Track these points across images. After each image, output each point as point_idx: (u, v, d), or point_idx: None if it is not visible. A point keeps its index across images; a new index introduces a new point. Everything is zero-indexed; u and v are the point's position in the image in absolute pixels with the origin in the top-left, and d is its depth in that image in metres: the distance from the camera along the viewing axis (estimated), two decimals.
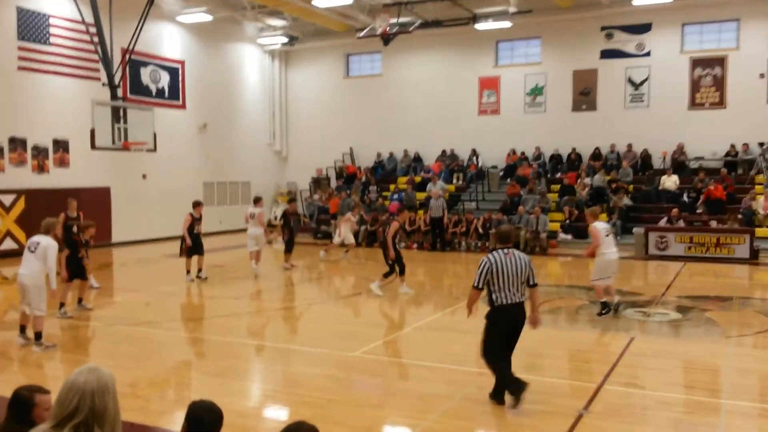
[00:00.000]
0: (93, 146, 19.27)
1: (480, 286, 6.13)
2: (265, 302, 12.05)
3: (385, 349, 8.51)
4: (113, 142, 19.73)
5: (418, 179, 24.03)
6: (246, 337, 9.39)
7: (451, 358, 7.94)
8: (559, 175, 22.45)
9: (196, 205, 14.08)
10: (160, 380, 7.27)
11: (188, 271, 13.75)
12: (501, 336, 6.19)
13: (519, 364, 7.81)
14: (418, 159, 25.19)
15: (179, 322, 10.60)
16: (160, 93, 22.47)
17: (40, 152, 18.67)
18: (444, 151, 24.86)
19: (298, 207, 27.24)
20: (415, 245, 19.90)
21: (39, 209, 18.17)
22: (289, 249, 15.46)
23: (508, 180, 22.45)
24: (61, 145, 19.20)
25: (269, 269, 15.87)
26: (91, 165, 19.91)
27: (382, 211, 20.97)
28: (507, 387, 6.20)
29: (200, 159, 24.19)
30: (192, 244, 13.64)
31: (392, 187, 23.49)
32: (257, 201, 15.17)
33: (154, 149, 20.88)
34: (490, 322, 6.23)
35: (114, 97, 19.48)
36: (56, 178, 19.00)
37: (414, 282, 13.38)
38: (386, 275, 12.07)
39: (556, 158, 23.12)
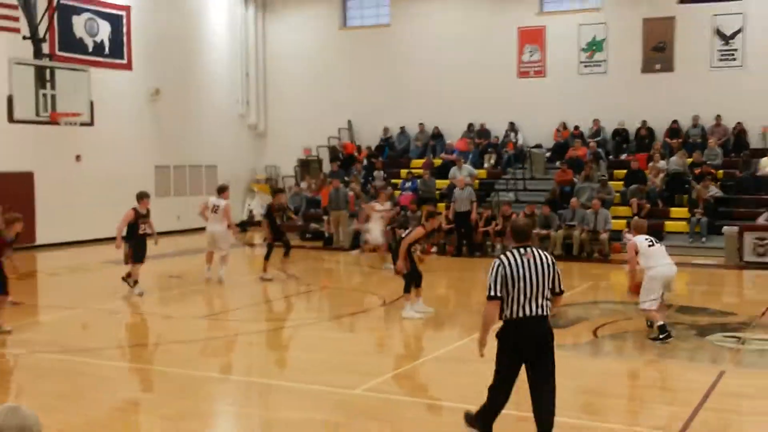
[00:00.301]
0: (10, 118, 19.32)
1: (498, 294, 6.10)
2: (236, 323, 12.04)
3: (394, 386, 8.48)
4: (37, 113, 19.81)
5: (438, 162, 23.99)
6: (211, 370, 9.36)
7: (481, 397, 7.88)
8: (624, 156, 22.38)
9: (142, 197, 14.04)
10: (97, 426, 7.25)
11: (136, 282, 13.79)
12: (513, 363, 6.18)
13: (572, 406, 7.77)
14: (438, 136, 25.17)
15: (124, 349, 10.58)
16: (98, 49, 22.50)
17: None
18: (472, 126, 24.82)
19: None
20: (434, 249, 19.88)
21: None
22: (286, 252, 15.65)
23: (557, 163, 22.41)
24: None
25: (243, 280, 15.86)
26: (7, 143, 19.96)
27: (392, 205, 20.93)
28: (479, 421, 6.44)
29: (152, 135, 24.24)
30: (134, 249, 13.67)
31: (404, 172, 23.48)
32: (222, 191, 15.31)
33: (91, 122, 20.95)
34: (500, 345, 6.22)
35: (38, 54, 19.54)
36: None
37: (433, 298, 13.35)
38: (407, 289, 11.99)
39: (620, 134, 23.05)
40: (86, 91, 20.51)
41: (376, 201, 18.35)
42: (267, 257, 15.53)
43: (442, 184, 22.30)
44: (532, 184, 22.34)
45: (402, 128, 25.84)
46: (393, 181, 23.57)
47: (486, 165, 23.51)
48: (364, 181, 23.59)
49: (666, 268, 10.46)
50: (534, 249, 6.28)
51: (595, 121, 23.30)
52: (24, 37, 18.90)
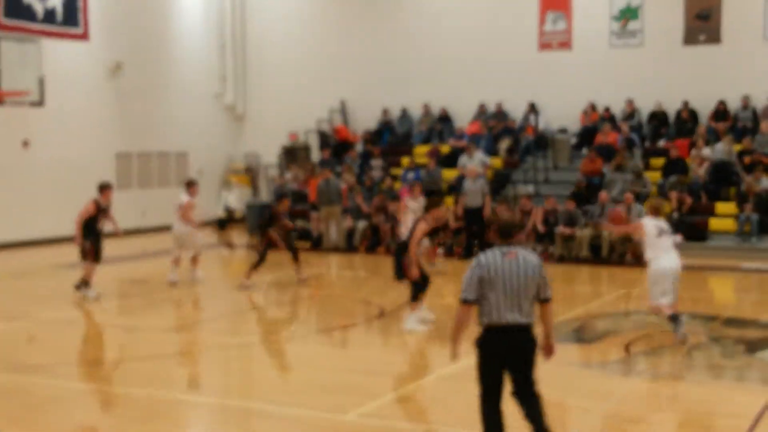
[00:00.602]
0: None
1: (471, 297, 6.37)
2: (211, 336, 12.08)
3: (393, 409, 8.52)
4: None
5: (445, 149, 24.00)
6: (182, 390, 9.40)
7: None
8: (662, 143, 22.40)
9: (104, 188, 14.22)
10: None
11: (87, 283, 14.04)
12: (494, 373, 6.45)
13: (603, 431, 7.80)
14: (445, 118, 25.19)
15: (80, 366, 10.61)
16: (49, 16, 22.47)
17: None
18: (484, 107, 24.84)
19: (261, 187, 27.31)
20: (440, 249, 19.90)
21: None
22: (295, 256, 16.08)
23: (584, 150, 22.43)
24: None
25: (219, 286, 15.90)
26: None
27: (390, 198, 21.00)
28: None
29: (112, 118, 24.24)
30: (95, 247, 13.96)
31: (405, 160, 23.48)
32: (190, 185, 15.78)
33: (41, 102, 20.99)
34: (479, 354, 6.51)
35: None
36: None
37: (438, 306, 13.38)
38: (415, 297, 12.03)
39: (658, 117, 23.07)
40: (35, 66, 20.56)
41: (409, 196, 18.39)
42: (256, 266, 15.56)
43: (450, 174, 22.29)
44: (554, 174, 22.35)
45: (403, 110, 25.84)
46: (393, 171, 23.58)
47: (502, 153, 23.52)
48: (360, 171, 23.61)
49: (671, 263, 10.89)
50: (520, 250, 6.45)
51: (629, 102, 23.30)
52: None
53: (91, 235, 13.95)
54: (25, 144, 21.95)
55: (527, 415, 6.52)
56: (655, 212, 11.21)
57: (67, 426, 8.26)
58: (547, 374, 9.75)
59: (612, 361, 10.55)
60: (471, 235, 19.37)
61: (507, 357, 6.42)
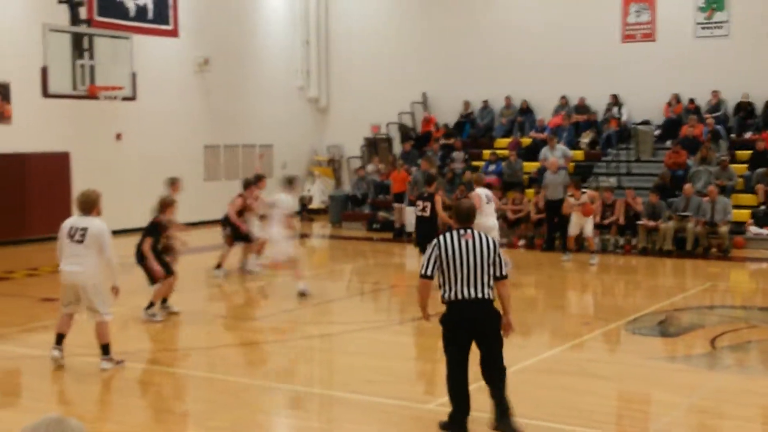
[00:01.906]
0: (45, 93, 19.88)
1: (428, 273, 6.97)
2: (295, 325, 12.19)
3: (475, 401, 8.46)
4: (74, 86, 20.33)
5: (526, 141, 23.79)
6: (267, 378, 9.51)
7: (579, 415, 7.84)
8: (749, 135, 21.86)
9: (250, 184, 15.59)
10: None
11: (219, 265, 15.28)
12: (457, 347, 7.00)
13: (683, 427, 7.65)
14: (526, 111, 24.97)
15: (170, 352, 10.82)
16: (141, 13, 22.96)
17: None
18: (566, 99, 24.54)
19: (344, 179, 27.49)
20: (521, 242, 19.75)
21: None
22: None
23: (668, 143, 22.03)
24: None
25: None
26: (42, 120, 20.56)
27: (470, 190, 20.89)
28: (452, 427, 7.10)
29: (200, 111, 24.65)
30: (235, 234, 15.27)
31: (487, 153, 23.37)
32: (291, 182, 14.47)
33: (133, 97, 21.40)
34: (443, 328, 7.06)
35: (75, 19, 20.03)
36: None
37: (519, 299, 13.30)
38: None
39: (744, 109, 22.50)
40: (128, 62, 20.94)
41: (589, 192, 18.37)
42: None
43: (530, 167, 22.12)
44: (637, 167, 21.99)
45: (485, 102, 25.69)
46: (474, 163, 23.48)
47: (583, 146, 23.21)
48: (441, 163, 23.56)
49: None
50: (476, 231, 7.02)
51: (714, 93, 22.77)
52: (59, 1, 19.39)
53: (230, 225, 15.16)
54: (119, 137, 22.46)
55: (488, 386, 7.13)
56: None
57: (155, 410, 8.43)
58: (631, 368, 9.65)
59: (697, 355, 10.33)
60: (552, 227, 19.15)
61: (467, 330, 6.93)
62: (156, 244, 12.02)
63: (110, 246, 9.23)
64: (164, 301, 12.29)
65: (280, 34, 27.32)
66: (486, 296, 6.91)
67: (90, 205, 9.33)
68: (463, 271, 6.85)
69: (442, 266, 6.89)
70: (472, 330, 6.95)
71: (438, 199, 14.57)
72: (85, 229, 9.12)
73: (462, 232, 6.99)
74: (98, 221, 9.26)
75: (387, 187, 23.38)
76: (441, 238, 7.00)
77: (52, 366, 9.34)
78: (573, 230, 17.46)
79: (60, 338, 9.46)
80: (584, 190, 17.59)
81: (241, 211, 15.44)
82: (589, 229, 17.32)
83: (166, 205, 12.12)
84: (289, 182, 14.17)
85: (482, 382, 7.19)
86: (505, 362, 10.07)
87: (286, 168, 26.90)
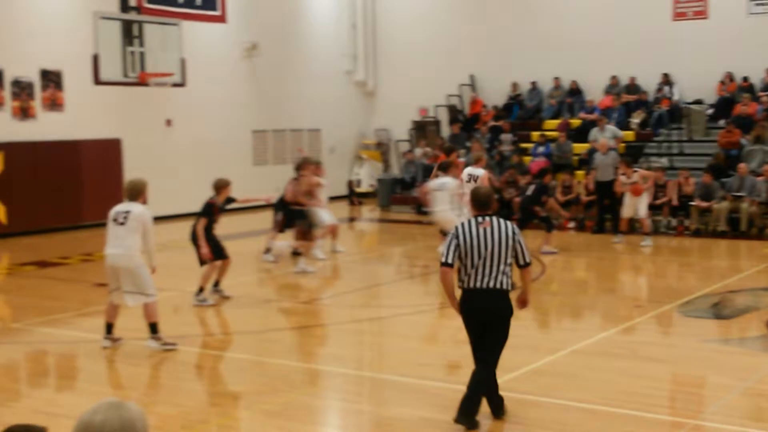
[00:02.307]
0: (97, 80, 20.18)
1: (449, 261, 6.89)
2: (344, 309, 12.23)
3: (524, 383, 8.45)
4: (125, 73, 20.62)
5: (576, 123, 23.56)
6: (317, 361, 9.57)
7: (631, 399, 7.78)
8: None
9: (223, 187, 13.15)
10: (195, 420, 7.53)
11: (298, 253, 14.84)
12: (473, 332, 7.05)
13: (737, 410, 7.55)
14: (576, 92, 24.72)
15: (221, 336, 10.94)
16: (189, 0, 23.10)
17: (22, 89, 19.71)
18: (616, 79, 24.24)
19: (392, 162, 27.52)
20: (571, 224, 19.59)
21: (23, 170, 19.24)
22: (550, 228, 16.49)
23: (722, 122, 21.67)
24: (51, 79, 20.18)
25: (349, 260, 16.08)
26: (93, 107, 20.84)
27: (520, 172, 20.78)
28: (465, 405, 6.96)
29: (248, 96, 24.78)
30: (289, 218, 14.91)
31: (535, 135, 23.19)
32: (445, 168, 15.00)
33: (182, 83, 21.64)
34: (462, 315, 7.08)
35: (125, 7, 20.25)
36: (45, 126, 20.03)
37: (571, 281, 13.21)
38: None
39: None
40: (177, 48, 21.18)
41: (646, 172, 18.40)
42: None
43: (580, 148, 21.91)
44: (690, 147, 21.68)
45: (533, 84, 25.48)
46: (522, 145, 23.32)
47: (634, 126, 22.93)
48: (489, 145, 23.44)
49: None
50: (495, 219, 6.92)
51: None
52: None
53: (283, 208, 14.98)
54: (168, 123, 22.68)
55: (474, 373, 7.02)
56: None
57: (211, 393, 8.52)
58: (684, 351, 9.54)
59: (752, 337, 10.18)
60: (603, 208, 18.97)
61: (481, 318, 6.95)
62: (210, 226, 12.13)
63: (151, 228, 9.42)
64: (216, 284, 12.39)
65: (327, 18, 27.33)
66: (500, 286, 6.88)
67: (136, 192, 9.51)
68: (480, 260, 6.81)
69: (460, 254, 6.86)
70: (482, 318, 6.97)
71: (485, 175, 14.77)
72: (127, 212, 9.32)
73: (480, 219, 6.93)
74: (141, 206, 9.45)
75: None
76: (459, 227, 6.97)
77: (145, 349, 9.52)
78: (626, 212, 17.27)
79: (109, 327, 9.64)
80: (636, 168, 17.36)
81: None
82: (642, 211, 17.12)
83: (220, 186, 12.25)
84: (444, 168, 14.76)
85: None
86: (559, 346, 10.03)
87: (334, 152, 26.99)
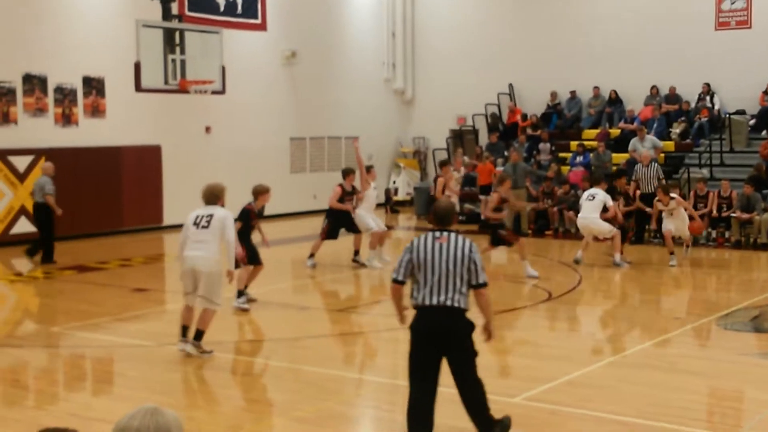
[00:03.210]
0: (138, 87, 20.29)
1: (398, 277, 6.63)
2: (379, 318, 12.22)
3: (560, 395, 8.39)
4: (166, 80, 20.72)
5: (615, 133, 23.38)
6: (352, 369, 9.57)
7: (667, 412, 7.69)
8: None
9: (347, 174, 15.78)
10: (228, 427, 7.57)
11: (356, 251, 15.65)
12: (419, 354, 6.57)
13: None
14: (616, 101, 24.54)
15: (256, 343, 10.98)
16: (230, 8, 23.30)
17: (65, 96, 19.98)
18: (656, 89, 24.04)
19: (429, 171, 27.50)
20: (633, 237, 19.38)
21: (65, 176, 19.47)
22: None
23: (764, 133, 21.39)
24: (94, 86, 20.45)
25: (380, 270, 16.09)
26: (135, 114, 21.06)
27: (558, 183, 20.66)
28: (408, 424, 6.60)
29: (287, 104, 24.90)
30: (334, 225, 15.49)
31: (574, 144, 23.05)
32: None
33: (223, 90, 21.70)
34: (410, 333, 6.65)
35: (167, 15, 20.42)
36: (87, 133, 20.28)
37: (609, 292, 13.10)
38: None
39: None
40: (218, 56, 21.24)
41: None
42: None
43: (619, 158, 21.73)
44: (731, 158, 21.42)
45: (572, 93, 25.33)
46: (561, 155, 23.18)
47: (674, 136, 22.71)
48: (528, 155, 23.34)
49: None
50: (454, 235, 6.58)
51: None
52: None
53: (330, 216, 15.43)
54: (208, 130, 22.86)
55: (462, 400, 6.69)
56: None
57: (245, 399, 8.56)
58: (723, 364, 9.41)
59: None
60: (641, 219, 18.72)
61: (433, 338, 6.49)
62: (246, 231, 12.21)
63: (233, 231, 9.53)
64: (245, 287, 12.45)
65: (366, 26, 27.41)
66: (456, 304, 6.44)
67: (215, 197, 9.65)
68: (434, 277, 6.44)
69: (413, 270, 6.53)
70: (437, 340, 6.50)
71: (440, 180, 15.43)
72: (210, 216, 9.41)
73: (437, 234, 6.58)
74: (223, 209, 9.58)
75: (473, 178, 23.26)
76: (414, 240, 6.63)
77: (180, 355, 9.52)
78: (666, 228, 16.14)
79: (184, 330, 9.61)
80: (673, 195, 16.24)
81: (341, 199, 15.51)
82: (684, 231, 16.30)
83: (258, 192, 12.33)
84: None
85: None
86: (596, 357, 9.94)
87: (372, 160, 27.01)
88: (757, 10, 22.94)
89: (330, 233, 15.55)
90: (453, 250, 6.49)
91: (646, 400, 8.06)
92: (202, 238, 9.34)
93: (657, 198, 16.66)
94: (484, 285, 6.59)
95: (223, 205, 9.72)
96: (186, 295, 9.59)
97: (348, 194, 15.53)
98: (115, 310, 12.47)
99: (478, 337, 6.78)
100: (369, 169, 16.26)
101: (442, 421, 7.58)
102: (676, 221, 16.03)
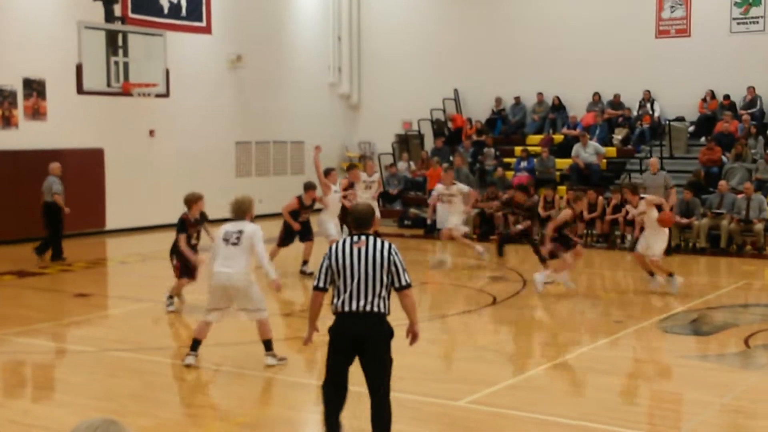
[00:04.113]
0: (80, 90, 20.10)
1: (319, 285, 6.55)
2: (326, 321, 12.20)
3: (504, 398, 8.45)
4: (108, 83, 20.56)
5: (559, 138, 23.66)
6: (297, 374, 9.53)
7: (610, 414, 7.80)
8: None
9: (194, 202, 12.93)
10: (169, 431, 7.50)
11: (305, 261, 15.41)
12: (336, 358, 6.54)
13: (715, 427, 7.57)
14: (559, 107, 24.84)
15: (200, 348, 10.89)
16: (174, 10, 23.09)
17: (5, 98, 19.62)
18: (598, 96, 24.37)
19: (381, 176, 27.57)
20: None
21: (4, 179, 19.13)
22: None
23: (703, 139, 21.80)
24: (34, 88, 20.10)
25: None
26: (76, 116, 20.75)
27: (502, 187, 20.84)
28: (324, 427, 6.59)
29: (232, 108, 24.75)
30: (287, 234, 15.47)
31: (518, 150, 23.27)
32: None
33: (167, 94, 21.59)
34: (329, 338, 6.59)
35: (110, 16, 20.21)
36: (28, 136, 19.93)
37: (553, 296, 13.23)
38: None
39: None
40: (161, 59, 21.14)
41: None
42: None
43: (563, 163, 21.99)
44: (671, 164, 21.78)
45: (517, 99, 25.57)
46: (505, 159, 23.39)
47: (616, 142, 23.05)
48: (472, 159, 23.49)
49: None
50: (373, 238, 6.50)
51: (750, 89, 22.50)
52: None
53: (285, 224, 15.32)
54: (151, 133, 22.62)
55: (372, 414, 6.61)
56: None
57: (188, 405, 8.48)
58: (663, 367, 9.56)
59: (731, 354, 10.23)
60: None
61: (352, 344, 6.46)
62: (188, 240, 12.13)
63: (262, 246, 9.32)
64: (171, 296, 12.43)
65: (312, 30, 27.37)
66: (376, 309, 6.40)
67: (243, 210, 9.49)
68: (353, 282, 6.36)
69: (333, 276, 6.47)
70: (355, 345, 6.46)
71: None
72: (240, 232, 9.25)
73: (356, 239, 6.51)
74: (252, 224, 9.43)
75: (418, 183, 23.34)
76: (333, 246, 6.57)
77: (123, 361, 9.42)
78: (639, 248, 14.05)
79: (195, 344, 9.48)
80: (643, 195, 14.27)
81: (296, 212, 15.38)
82: (657, 248, 13.76)
83: (191, 201, 12.17)
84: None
85: None
86: (542, 360, 10.03)
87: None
88: (696, 19, 23.36)
89: (284, 240, 15.46)
90: (372, 253, 6.42)
91: (588, 403, 8.16)
92: (231, 255, 9.22)
93: (625, 198, 15.61)
94: (408, 286, 6.54)
95: (251, 218, 9.59)
96: (210, 311, 9.44)
97: (305, 208, 15.33)
98: (56, 316, 12.28)
99: (404, 340, 6.82)
100: (328, 172, 16.16)
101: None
102: (648, 237, 13.79)
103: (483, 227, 20.75)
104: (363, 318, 6.42)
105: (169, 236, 12.81)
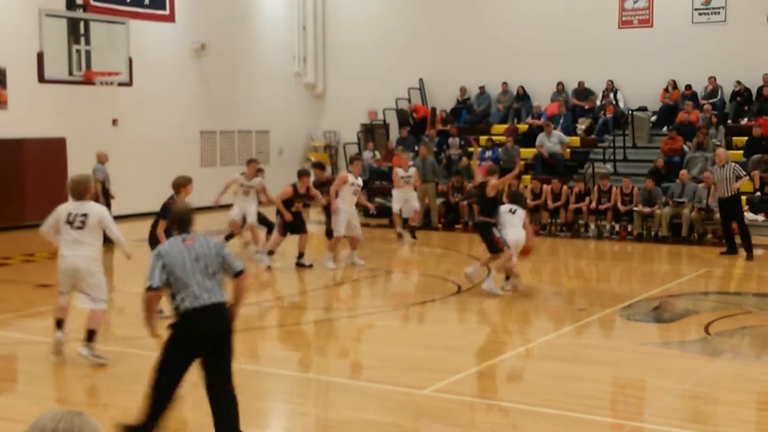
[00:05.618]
0: (41, 78, 19.87)
1: (156, 284, 6.48)
2: (292, 311, 12.20)
3: (468, 386, 8.52)
4: (70, 72, 20.34)
5: (523, 128, 23.78)
6: (265, 364, 9.53)
7: (572, 401, 7.88)
8: (745, 121, 21.84)
9: (183, 185, 13.85)
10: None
11: (300, 254, 15.12)
12: (181, 358, 6.49)
13: (677, 413, 7.68)
14: (523, 97, 24.95)
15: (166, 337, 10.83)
16: None
17: None
18: (562, 85, 24.52)
19: (340, 165, 27.51)
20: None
21: None
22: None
23: (665, 129, 22.02)
24: None
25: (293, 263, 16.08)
26: (38, 105, 20.51)
27: (467, 176, 20.92)
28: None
29: (196, 97, 24.60)
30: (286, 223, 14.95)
31: (483, 139, 23.35)
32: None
33: (130, 82, 21.40)
34: (170, 336, 6.54)
35: (71, 4, 19.98)
36: None
37: (516, 287, 13.31)
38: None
39: (741, 95, 22.48)
40: (124, 47, 20.94)
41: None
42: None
43: (528, 152, 22.12)
44: (633, 153, 22.00)
45: (481, 88, 25.65)
46: (470, 149, 23.43)
47: (579, 132, 23.21)
48: (437, 149, 23.54)
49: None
50: (199, 236, 6.68)
51: (711, 80, 22.74)
52: None
53: (279, 214, 14.98)
54: (115, 123, 22.42)
55: (217, 418, 6.52)
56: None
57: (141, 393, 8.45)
58: (625, 354, 9.68)
59: (692, 341, 10.38)
60: (728, 228, 17.53)
61: (199, 342, 6.45)
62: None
63: (113, 225, 9.28)
64: None
65: (276, 19, 27.26)
66: (221, 299, 6.51)
67: (83, 190, 9.27)
68: (193, 278, 6.42)
69: (171, 276, 6.44)
70: (208, 341, 6.46)
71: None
72: (85, 215, 9.10)
73: (185, 236, 6.62)
74: (95, 205, 9.29)
75: (384, 173, 23.35)
76: (163, 246, 6.66)
77: (53, 349, 9.26)
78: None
79: (60, 323, 9.38)
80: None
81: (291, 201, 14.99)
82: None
83: (180, 185, 11.54)
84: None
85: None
86: (504, 349, 10.12)
87: (282, 154, 26.96)
88: (659, 10, 23.55)
89: (286, 229, 14.99)
90: (204, 249, 6.55)
91: (552, 390, 8.24)
92: (77, 239, 9.16)
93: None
94: (243, 271, 6.69)
95: (92, 197, 9.48)
96: (62, 294, 9.46)
97: (300, 197, 14.97)
98: (18, 306, 12.17)
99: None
100: (353, 160, 16.56)
101: (358, 415, 7.61)
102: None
103: (449, 216, 20.82)
104: (216, 309, 6.49)
105: (136, 226, 12.70)
